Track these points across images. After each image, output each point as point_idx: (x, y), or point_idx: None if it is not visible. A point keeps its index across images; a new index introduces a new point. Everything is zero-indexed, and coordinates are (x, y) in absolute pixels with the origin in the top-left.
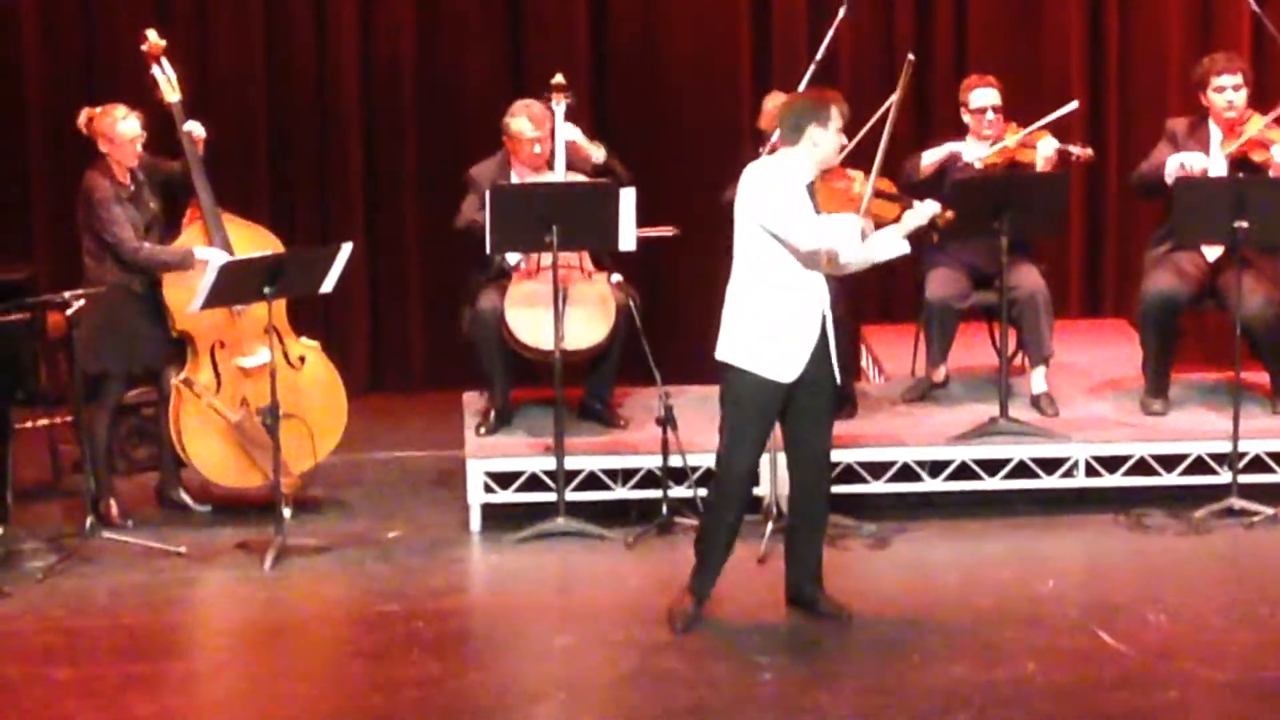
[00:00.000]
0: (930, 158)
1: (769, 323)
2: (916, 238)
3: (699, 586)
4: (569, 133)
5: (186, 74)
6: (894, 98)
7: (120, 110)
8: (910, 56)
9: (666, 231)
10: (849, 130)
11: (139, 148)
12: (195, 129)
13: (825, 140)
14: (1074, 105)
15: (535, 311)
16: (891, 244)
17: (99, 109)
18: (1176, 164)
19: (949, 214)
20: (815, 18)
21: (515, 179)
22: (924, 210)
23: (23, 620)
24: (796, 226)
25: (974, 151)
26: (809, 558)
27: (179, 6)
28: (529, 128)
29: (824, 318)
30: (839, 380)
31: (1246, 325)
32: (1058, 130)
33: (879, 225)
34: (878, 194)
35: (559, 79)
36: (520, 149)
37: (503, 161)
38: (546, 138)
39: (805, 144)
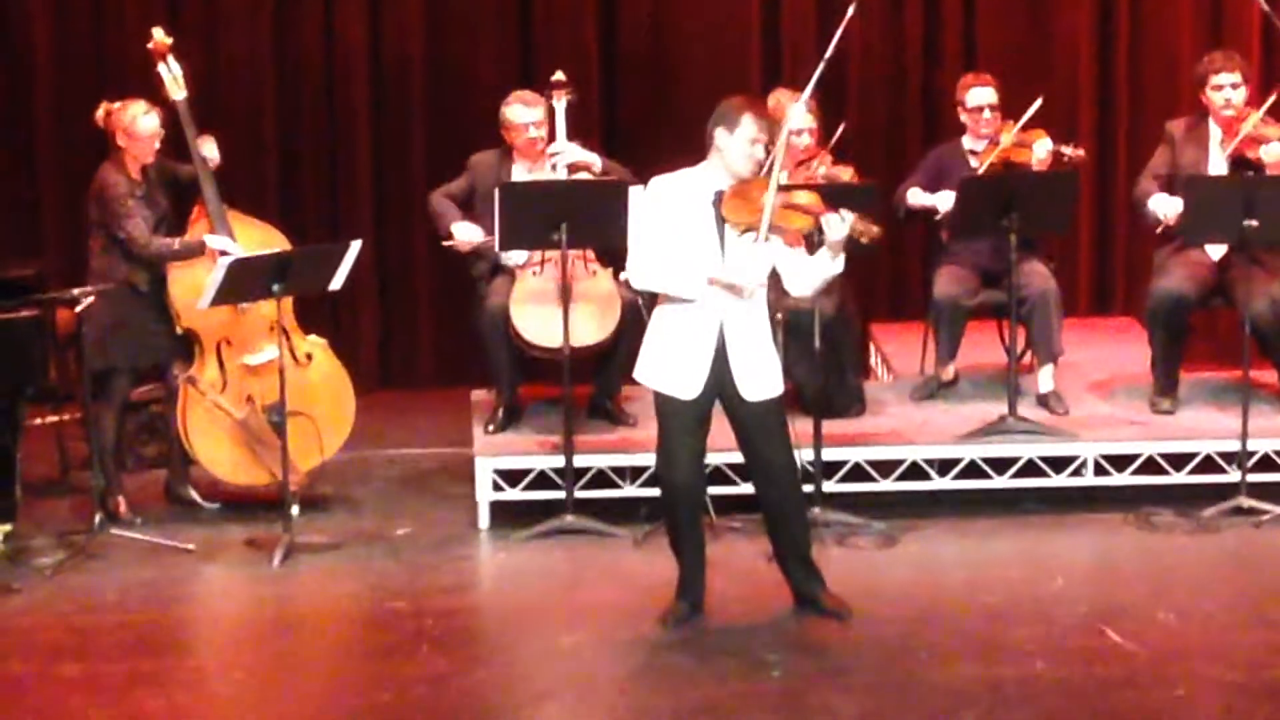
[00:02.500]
0: (916, 199)
1: (667, 342)
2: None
3: (685, 593)
4: (569, 154)
5: (196, 71)
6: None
7: (140, 106)
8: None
9: None
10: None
11: (156, 145)
12: (211, 154)
13: (729, 147)
14: (1039, 102)
15: (540, 309)
16: (820, 266)
17: (118, 103)
18: (1154, 211)
19: (874, 228)
20: (824, 16)
21: (517, 173)
22: (838, 225)
23: (31, 617)
24: (629, 261)
25: (947, 203)
26: (796, 561)
27: (189, 4)
28: (524, 113)
29: (721, 335)
30: (751, 395)
31: (1255, 324)
32: (1055, 129)
33: (787, 237)
34: (787, 205)
35: (559, 76)
36: (517, 137)
37: (504, 154)
38: (542, 122)
39: (713, 150)
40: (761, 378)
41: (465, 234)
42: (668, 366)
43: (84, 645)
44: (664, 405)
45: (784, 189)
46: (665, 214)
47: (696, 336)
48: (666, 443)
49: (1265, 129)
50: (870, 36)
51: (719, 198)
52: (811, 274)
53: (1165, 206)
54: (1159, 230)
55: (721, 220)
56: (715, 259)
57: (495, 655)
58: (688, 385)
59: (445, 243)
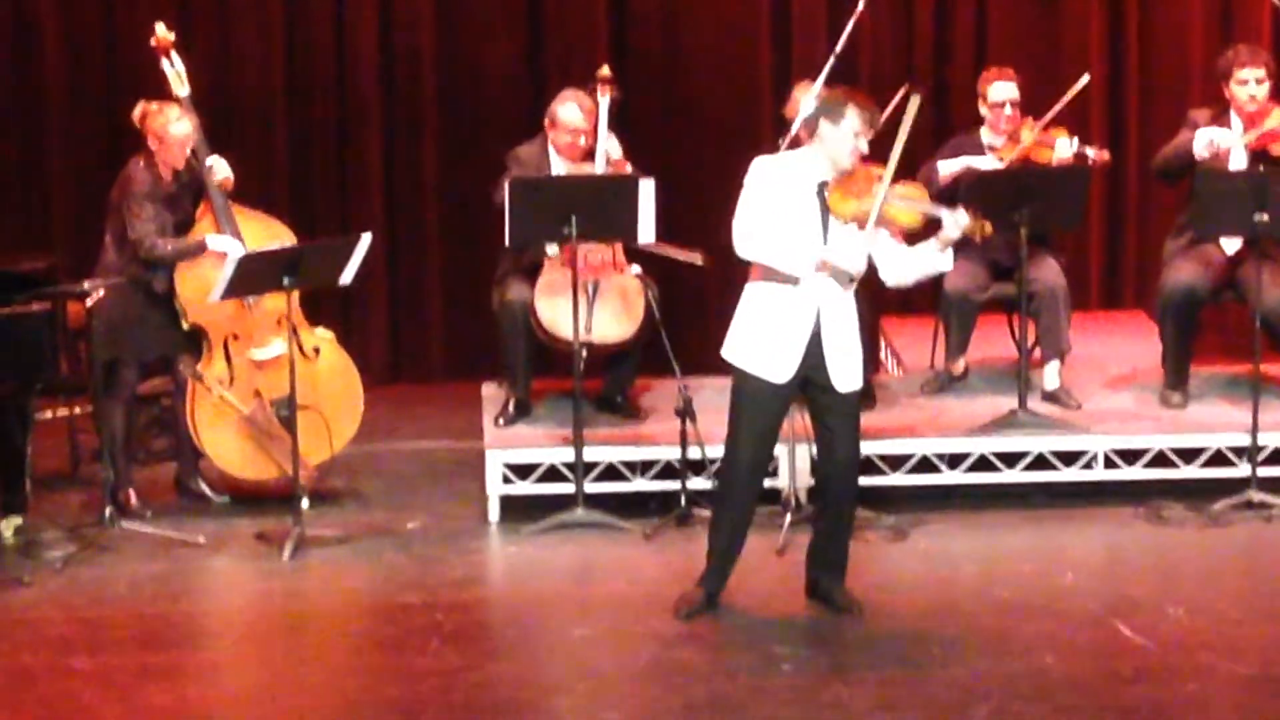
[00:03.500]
0: (947, 169)
1: (761, 323)
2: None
3: (707, 581)
4: (612, 148)
5: (206, 68)
6: (910, 110)
7: (175, 111)
8: (915, 96)
9: (696, 259)
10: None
11: (188, 151)
12: (224, 172)
13: (833, 139)
14: (1086, 79)
15: (565, 302)
16: (927, 260)
17: (155, 105)
18: (1206, 139)
19: (988, 226)
20: (835, 10)
21: (556, 167)
22: (955, 223)
23: (42, 610)
24: (737, 227)
25: (989, 165)
26: (832, 554)
27: (199, 1)
28: (578, 118)
29: (818, 321)
30: (841, 386)
31: (1266, 318)
32: (1066, 125)
33: (893, 230)
34: (896, 198)
35: (605, 71)
36: (561, 138)
37: (542, 146)
38: (590, 131)
39: (816, 140)
40: (852, 369)
41: None
42: (761, 348)
43: (94, 638)
44: (746, 385)
45: (893, 183)
46: (771, 193)
47: (793, 321)
48: (739, 423)
49: None
50: (880, 31)
51: (823, 188)
52: (914, 267)
53: (1219, 136)
54: (1210, 154)
55: (826, 210)
56: (817, 245)
57: (506, 649)
58: (780, 369)
59: None
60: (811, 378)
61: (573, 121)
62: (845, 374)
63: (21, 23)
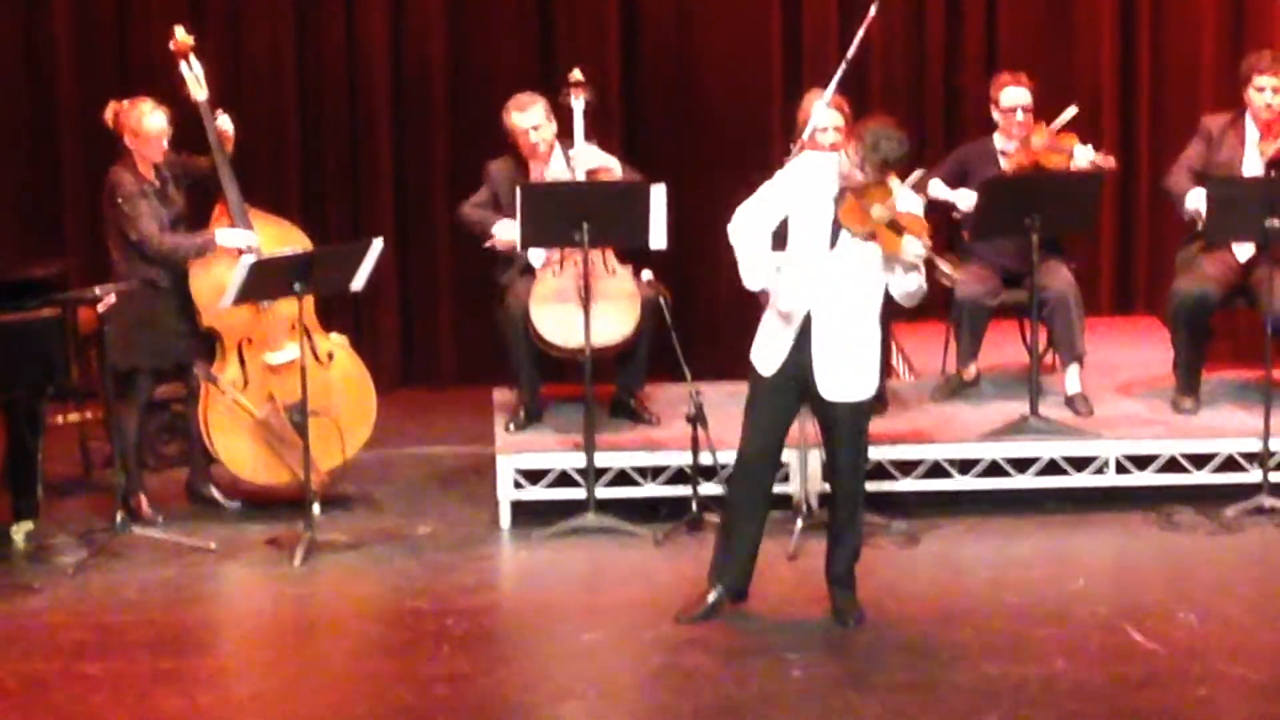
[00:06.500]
0: (936, 192)
1: (767, 317)
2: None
3: (716, 572)
4: (589, 156)
5: (218, 71)
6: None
7: (147, 105)
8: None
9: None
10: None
11: (165, 143)
12: (225, 125)
13: (842, 154)
14: (1073, 110)
15: (560, 309)
16: (895, 281)
17: (126, 102)
18: (1194, 205)
19: (956, 274)
20: (846, 15)
21: (533, 175)
22: (910, 246)
23: (53, 615)
24: (738, 213)
25: (967, 202)
26: (833, 565)
27: (211, 3)
28: (519, 118)
29: (807, 322)
30: (829, 394)
31: (1277, 324)
32: (1077, 129)
33: (885, 252)
34: (892, 225)
35: (577, 75)
36: (522, 142)
37: (517, 160)
38: (540, 124)
39: (840, 154)
40: (845, 379)
41: (507, 233)
42: (763, 338)
43: (106, 644)
44: (751, 377)
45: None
46: (793, 191)
47: (786, 318)
48: (746, 415)
49: None
50: (892, 37)
51: (840, 197)
52: (896, 287)
53: (1203, 204)
54: (1196, 226)
55: (837, 219)
56: (823, 250)
57: (516, 654)
58: (767, 362)
59: (487, 244)
60: (805, 383)
61: (519, 123)
62: (834, 383)
63: (34, 28)
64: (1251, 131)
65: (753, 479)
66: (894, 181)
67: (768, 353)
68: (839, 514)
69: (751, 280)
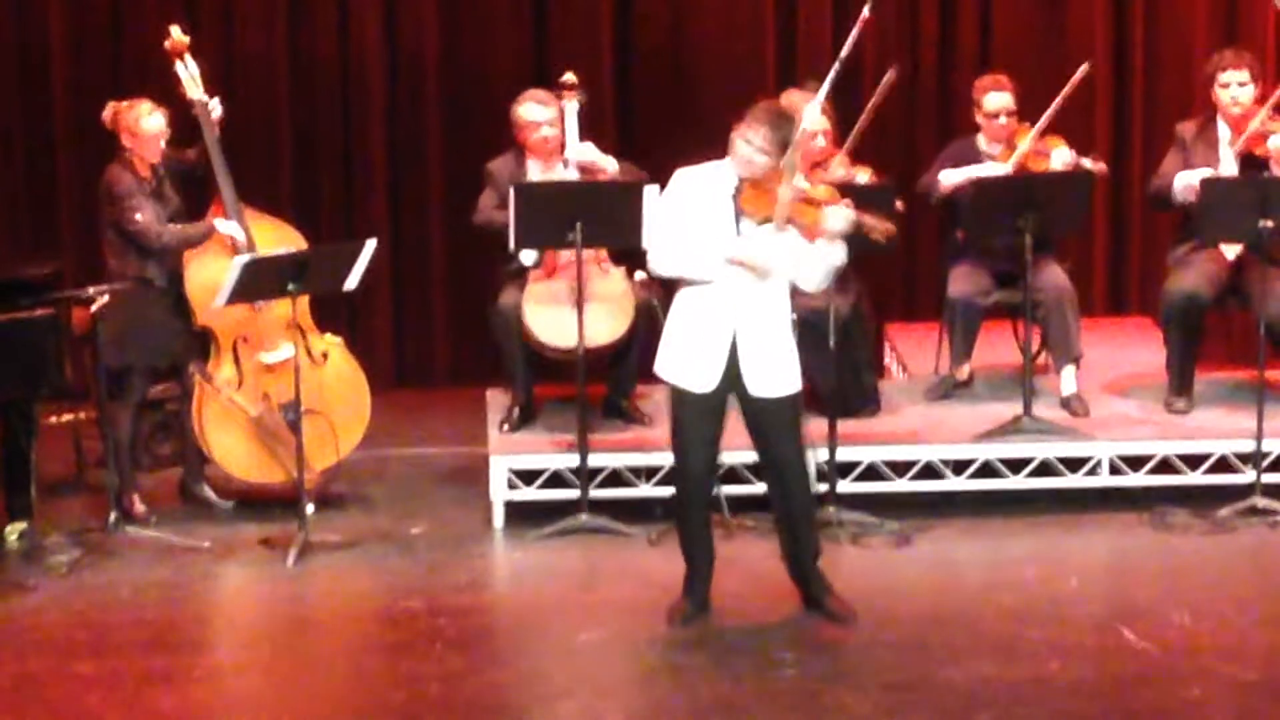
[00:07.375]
0: (950, 179)
1: (683, 334)
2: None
3: (691, 591)
4: (583, 153)
5: (211, 69)
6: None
7: (145, 106)
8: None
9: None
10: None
11: (162, 144)
12: (215, 109)
13: (735, 146)
14: (1086, 67)
15: (553, 310)
16: (817, 256)
17: (124, 103)
18: (1183, 184)
19: (887, 224)
20: (840, 15)
21: (532, 173)
22: (836, 215)
23: (46, 614)
24: (649, 248)
25: (994, 171)
26: (793, 569)
27: (205, 2)
28: (537, 111)
29: (734, 332)
30: (757, 390)
31: (1270, 324)
32: (1070, 130)
33: (803, 230)
34: (802, 199)
35: (569, 77)
36: (530, 135)
37: (517, 155)
38: (555, 122)
39: (735, 144)
40: (773, 374)
41: None
42: (682, 359)
43: (99, 643)
44: (677, 398)
45: (801, 185)
46: (686, 203)
47: (711, 329)
48: (679, 435)
49: (1271, 124)
50: (886, 38)
51: (738, 189)
52: (815, 264)
53: (1194, 180)
54: (1189, 217)
55: (739, 212)
56: (728, 242)
57: (510, 654)
58: (702, 378)
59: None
60: (734, 385)
61: (534, 116)
62: (763, 380)
63: (28, 27)
64: (1224, 132)
65: (700, 494)
66: (785, 160)
67: (698, 369)
68: (793, 507)
69: (712, 269)
